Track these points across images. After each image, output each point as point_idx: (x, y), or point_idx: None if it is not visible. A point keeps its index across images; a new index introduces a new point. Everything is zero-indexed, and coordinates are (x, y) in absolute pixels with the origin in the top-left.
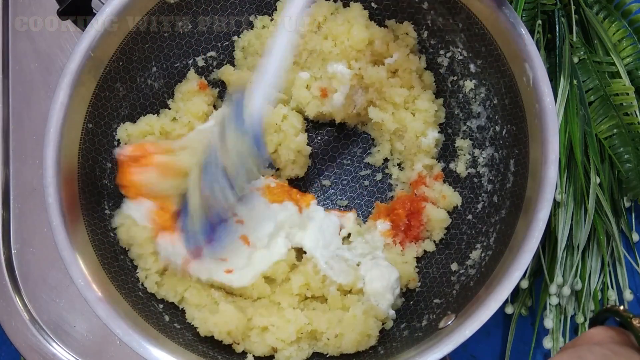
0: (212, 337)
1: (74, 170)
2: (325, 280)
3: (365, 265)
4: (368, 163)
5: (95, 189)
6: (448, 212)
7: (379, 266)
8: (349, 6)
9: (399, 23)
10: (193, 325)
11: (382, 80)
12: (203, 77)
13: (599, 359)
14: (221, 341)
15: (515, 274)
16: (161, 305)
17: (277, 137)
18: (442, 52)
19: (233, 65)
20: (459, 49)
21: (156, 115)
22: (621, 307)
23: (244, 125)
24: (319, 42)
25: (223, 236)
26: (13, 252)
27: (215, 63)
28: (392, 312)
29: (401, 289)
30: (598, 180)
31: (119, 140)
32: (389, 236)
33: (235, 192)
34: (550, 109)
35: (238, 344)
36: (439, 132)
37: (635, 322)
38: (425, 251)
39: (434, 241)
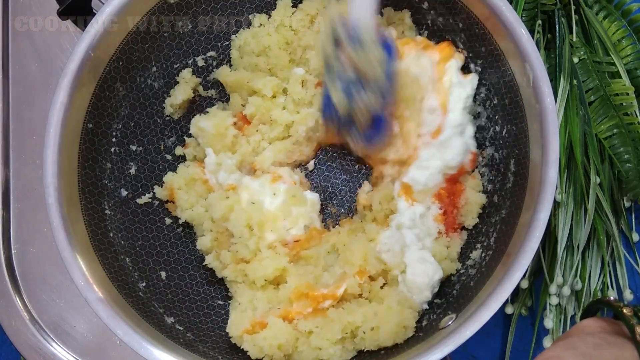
0: (213, 337)
1: (74, 170)
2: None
3: (412, 254)
4: None
5: (95, 189)
6: None
7: (425, 262)
8: None
9: (397, 11)
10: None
11: None
12: (202, 78)
13: (591, 348)
14: (223, 342)
15: (515, 274)
16: (161, 307)
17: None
18: None
19: (230, 65)
20: (459, 49)
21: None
22: (612, 298)
23: (356, 39)
24: (313, 37)
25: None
26: (13, 252)
27: (215, 63)
28: (425, 306)
29: None
30: (598, 180)
31: (118, 141)
32: (441, 222)
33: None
34: (551, 109)
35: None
36: None
37: (626, 311)
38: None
39: (468, 230)
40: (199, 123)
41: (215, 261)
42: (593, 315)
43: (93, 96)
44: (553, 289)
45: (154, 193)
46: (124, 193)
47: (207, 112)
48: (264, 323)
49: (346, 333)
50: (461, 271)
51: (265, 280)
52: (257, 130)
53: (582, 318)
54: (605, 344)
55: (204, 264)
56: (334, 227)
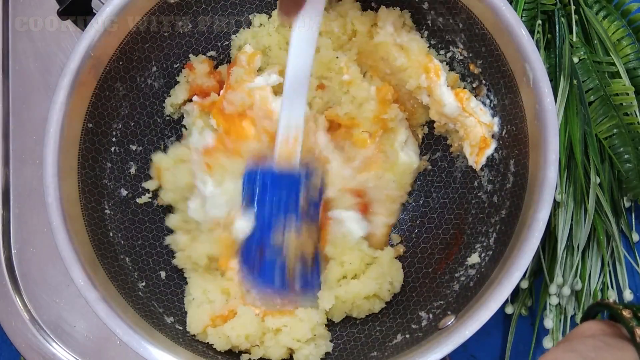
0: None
1: (74, 170)
2: None
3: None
4: None
5: (95, 189)
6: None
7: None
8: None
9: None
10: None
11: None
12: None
13: (592, 351)
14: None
15: (515, 275)
16: (161, 307)
17: None
18: (442, 52)
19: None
20: (459, 49)
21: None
22: (611, 300)
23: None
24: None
25: None
26: (13, 252)
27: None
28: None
29: None
30: (598, 180)
31: (118, 140)
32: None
33: None
34: (551, 110)
35: (257, 346)
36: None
37: (625, 313)
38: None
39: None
40: (185, 107)
41: (173, 244)
42: (593, 317)
43: (93, 96)
44: (553, 289)
45: (154, 192)
46: (124, 193)
47: None
48: (225, 316)
49: (315, 334)
50: (461, 271)
51: (209, 258)
52: None
53: (582, 321)
54: (605, 346)
55: (165, 243)
56: None
